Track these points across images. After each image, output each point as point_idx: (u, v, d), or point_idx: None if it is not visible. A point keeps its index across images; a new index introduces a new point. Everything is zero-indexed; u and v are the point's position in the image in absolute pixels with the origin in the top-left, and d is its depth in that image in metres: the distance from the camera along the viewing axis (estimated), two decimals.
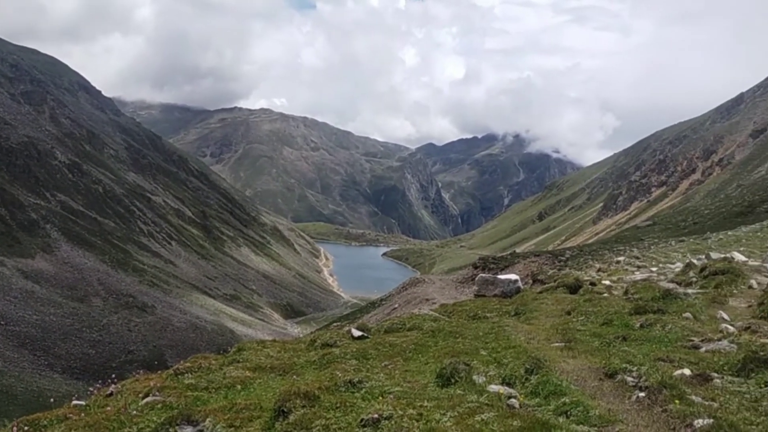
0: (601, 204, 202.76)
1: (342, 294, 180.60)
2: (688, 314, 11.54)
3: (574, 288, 18.47)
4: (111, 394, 10.59)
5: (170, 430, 7.70)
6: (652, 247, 62.64)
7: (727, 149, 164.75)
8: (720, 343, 9.00)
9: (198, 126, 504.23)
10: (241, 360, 11.96)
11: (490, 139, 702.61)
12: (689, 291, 14.64)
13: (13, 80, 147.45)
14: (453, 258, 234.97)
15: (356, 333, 13.18)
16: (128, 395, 10.18)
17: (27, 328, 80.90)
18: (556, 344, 10.82)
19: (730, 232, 60.70)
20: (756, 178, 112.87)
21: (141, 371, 12.78)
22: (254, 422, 7.60)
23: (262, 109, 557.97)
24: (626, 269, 29.90)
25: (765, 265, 20.01)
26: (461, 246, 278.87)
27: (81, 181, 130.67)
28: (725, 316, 11.55)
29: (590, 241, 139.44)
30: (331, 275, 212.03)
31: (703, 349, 8.94)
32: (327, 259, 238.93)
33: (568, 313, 14.68)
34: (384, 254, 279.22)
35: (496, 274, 57.96)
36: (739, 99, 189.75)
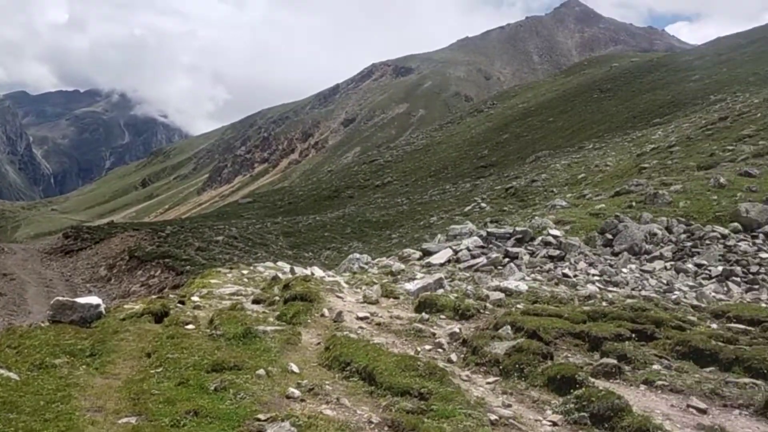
0: (207, 175, 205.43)
1: None
2: (261, 371, 11.41)
3: (160, 316, 17.66)
4: None
5: None
6: (250, 227, 65.51)
7: (322, 134, 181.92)
8: (282, 424, 8.97)
9: None
10: None
11: (93, 94, 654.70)
12: (268, 329, 14.88)
13: None
14: (43, 222, 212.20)
15: None
16: None
17: None
18: (124, 419, 9.67)
19: (318, 217, 66.95)
20: (344, 164, 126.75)
21: None
22: None
23: None
24: (219, 271, 30.15)
25: (338, 280, 21.87)
26: (53, 209, 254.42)
27: None
28: (295, 368, 11.74)
29: (193, 211, 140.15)
30: None
31: None
32: None
33: (149, 356, 13.76)
34: None
35: (81, 248, 53.75)
36: (335, 89, 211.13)
